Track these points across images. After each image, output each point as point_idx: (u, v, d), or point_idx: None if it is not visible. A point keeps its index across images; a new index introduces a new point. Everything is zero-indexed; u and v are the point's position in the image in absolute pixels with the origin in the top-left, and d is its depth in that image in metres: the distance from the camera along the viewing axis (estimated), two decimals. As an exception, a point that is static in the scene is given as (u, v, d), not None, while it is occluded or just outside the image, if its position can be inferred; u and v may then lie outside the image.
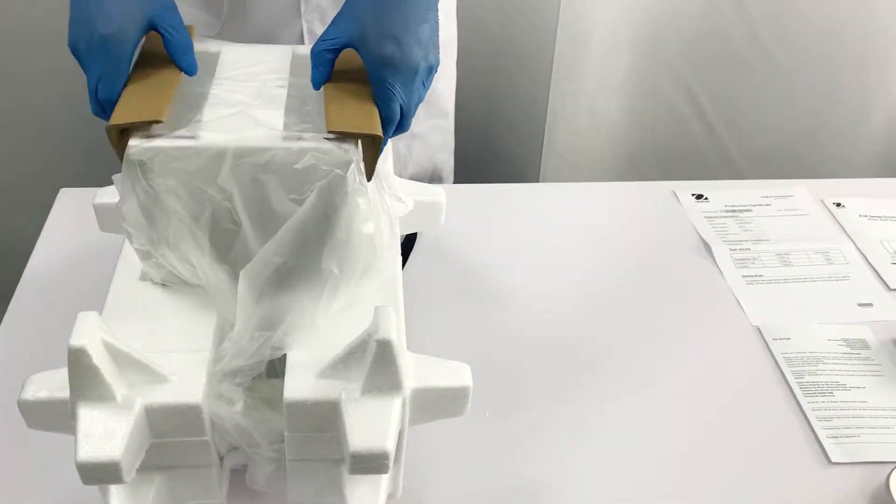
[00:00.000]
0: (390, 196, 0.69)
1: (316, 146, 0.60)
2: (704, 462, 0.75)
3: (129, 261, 0.68)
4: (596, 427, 0.78)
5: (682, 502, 0.72)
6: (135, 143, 0.59)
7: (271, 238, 0.60)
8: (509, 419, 0.79)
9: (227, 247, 0.64)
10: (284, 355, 0.62)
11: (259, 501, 0.70)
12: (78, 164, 1.34)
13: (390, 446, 0.55)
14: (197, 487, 0.63)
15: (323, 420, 0.59)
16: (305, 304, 0.62)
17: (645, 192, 1.12)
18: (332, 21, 0.64)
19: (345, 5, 0.64)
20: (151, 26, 0.63)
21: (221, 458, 0.64)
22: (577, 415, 0.79)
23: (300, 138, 0.60)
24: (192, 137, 0.60)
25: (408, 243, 0.99)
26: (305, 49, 0.71)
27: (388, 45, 0.60)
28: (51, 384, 0.57)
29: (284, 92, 0.67)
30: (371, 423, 0.56)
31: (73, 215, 1.00)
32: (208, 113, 0.63)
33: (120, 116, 0.59)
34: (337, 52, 0.63)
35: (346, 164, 0.59)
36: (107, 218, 0.76)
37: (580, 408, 0.80)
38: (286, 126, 0.62)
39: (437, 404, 0.62)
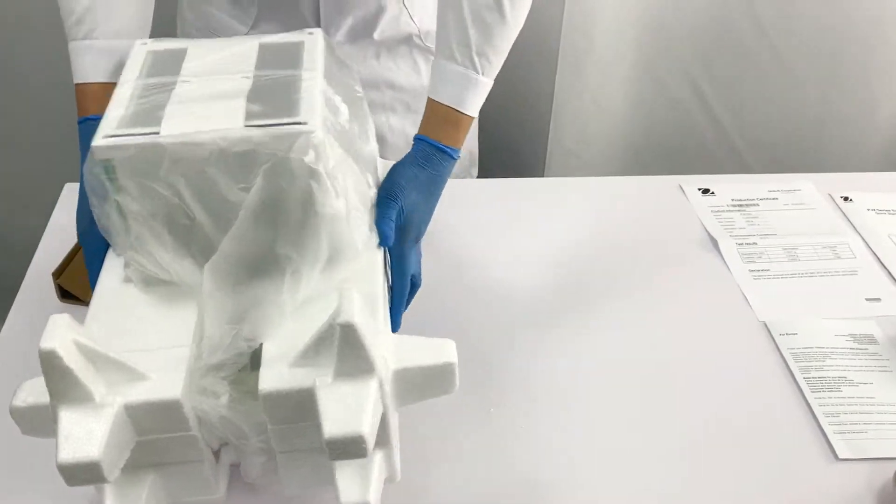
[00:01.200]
0: (368, 183, 0.70)
1: (258, 133, 0.60)
2: (710, 458, 0.75)
3: (115, 262, 0.68)
4: (601, 421, 0.78)
5: (687, 498, 0.72)
6: (99, 143, 0.60)
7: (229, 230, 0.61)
8: (514, 414, 0.78)
9: (187, 242, 0.64)
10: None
11: (259, 496, 0.70)
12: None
13: (366, 430, 0.55)
14: (192, 484, 0.63)
15: (301, 409, 0.58)
16: (269, 293, 0.62)
17: (651, 187, 1.12)
18: (389, 202, 0.74)
19: (395, 192, 0.75)
20: None
21: (217, 454, 0.64)
22: (583, 410, 0.79)
23: (251, 127, 0.61)
24: (155, 134, 0.61)
25: None
26: (273, 38, 0.73)
27: (416, 233, 0.77)
28: (38, 390, 0.57)
29: (250, 83, 0.67)
30: (345, 407, 0.56)
31: (77, 210, 1.00)
32: (170, 110, 0.63)
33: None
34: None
35: (289, 147, 0.60)
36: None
37: (586, 403, 0.80)
38: (249, 116, 0.62)
39: (423, 383, 0.63)
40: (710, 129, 1.61)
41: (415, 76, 1.09)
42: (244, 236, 0.62)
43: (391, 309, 0.74)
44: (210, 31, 1.04)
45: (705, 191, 1.10)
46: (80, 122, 0.76)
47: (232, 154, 0.60)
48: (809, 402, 0.80)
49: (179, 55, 0.72)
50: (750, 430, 0.78)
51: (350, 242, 0.66)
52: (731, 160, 1.63)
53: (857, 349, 0.86)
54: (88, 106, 0.77)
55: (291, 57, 0.72)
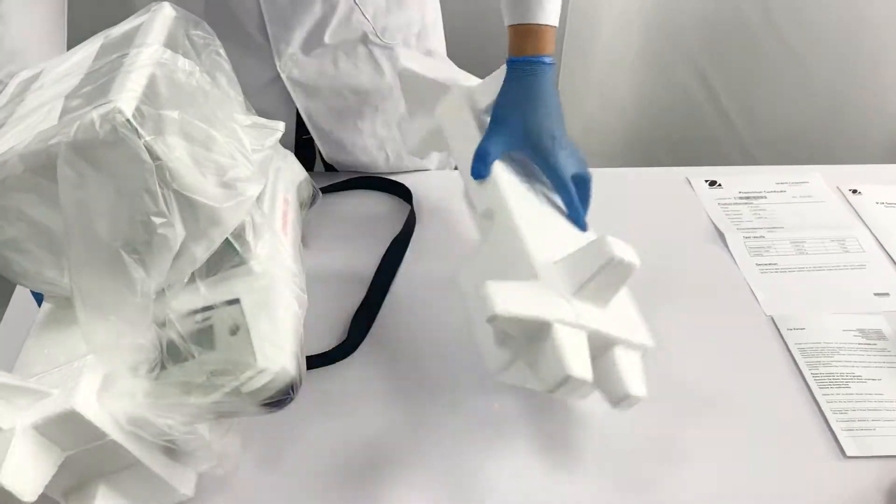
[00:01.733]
0: (236, 130, 0.67)
1: (49, 130, 0.59)
2: (715, 455, 0.74)
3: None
4: (605, 415, 0.77)
5: (692, 494, 0.71)
6: None
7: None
8: (519, 405, 0.78)
9: (59, 254, 0.63)
10: (187, 335, 0.62)
11: (234, 487, 0.70)
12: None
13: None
14: (149, 488, 0.63)
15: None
16: (128, 291, 0.60)
17: (657, 179, 1.10)
18: (493, 126, 0.78)
19: (502, 114, 0.79)
20: None
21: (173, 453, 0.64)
22: (586, 404, 0.78)
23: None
24: None
25: (406, 230, 0.98)
26: (118, 28, 0.72)
27: (545, 140, 0.79)
28: None
29: (77, 81, 0.65)
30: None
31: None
32: (2, 132, 0.63)
33: None
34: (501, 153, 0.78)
35: (81, 130, 0.56)
36: None
37: (590, 398, 0.79)
38: (63, 113, 0.60)
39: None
40: (718, 120, 1.60)
41: (378, 77, 1.04)
42: (81, 239, 0.59)
43: (571, 215, 0.78)
44: None
45: (712, 183, 1.09)
46: None
47: (41, 159, 0.58)
48: (817, 398, 0.79)
49: (36, 76, 0.71)
50: (756, 427, 0.77)
51: (205, 203, 0.61)
52: (738, 152, 1.62)
53: (865, 345, 0.85)
54: None
55: (127, 41, 0.69)
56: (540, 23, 0.81)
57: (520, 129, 0.79)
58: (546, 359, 0.63)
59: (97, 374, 0.60)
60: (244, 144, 0.68)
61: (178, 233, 0.60)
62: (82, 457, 0.59)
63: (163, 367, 0.62)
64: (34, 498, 0.55)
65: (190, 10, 0.90)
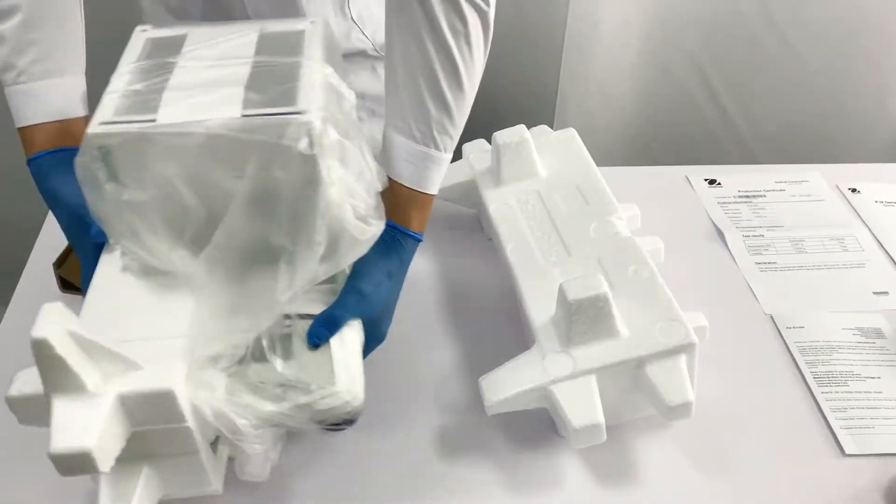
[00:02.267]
0: (370, 168, 0.68)
1: (253, 122, 0.60)
2: (714, 453, 0.74)
3: (113, 253, 0.68)
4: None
5: (691, 492, 0.71)
6: (95, 130, 0.60)
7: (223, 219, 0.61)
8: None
9: (182, 231, 0.64)
10: (273, 338, 0.63)
11: (258, 490, 0.70)
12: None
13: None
14: (187, 476, 0.62)
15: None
16: (266, 284, 0.62)
17: (657, 177, 1.11)
18: (342, 298, 0.69)
19: (352, 287, 0.70)
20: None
21: (214, 446, 0.64)
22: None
23: (246, 115, 0.61)
24: (150, 122, 0.61)
25: None
26: (274, 26, 0.73)
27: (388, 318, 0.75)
28: (33, 379, 0.57)
29: (248, 70, 0.67)
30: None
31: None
32: (167, 97, 0.63)
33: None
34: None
35: (282, 135, 0.60)
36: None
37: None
38: (246, 104, 0.62)
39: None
40: (717, 119, 1.60)
41: (376, 82, 1.04)
42: (237, 226, 0.62)
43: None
44: None
45: (712, 182, 1.09)
46: (29, 162, 0.74)
47: (226, 143, 0.60)
48: (816, 396, 0.79)
49: (178, 41, 0.71)
50: (755, 425, 0.77)
51: (347, 231, 0.65)
52: (738, 151, 1.62)
53: (864, 343, 0.85)
54: (35, 144, 0.75)
55: (291, 45, 0.71)
56: (428, 192, 0.75)
57: (378, 305, 0.72)
58: (557, 416, 0.70)
59: (185, 359, 0.59)
60: (373, 183, 0.69)
61: (323, 253, 0.64)
62: (144, 435, 0.58)
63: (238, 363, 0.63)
64: (109, 468, 0.54)
65: (190, 12, 0.91)
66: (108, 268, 0.67)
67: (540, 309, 0.76)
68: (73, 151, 0.63)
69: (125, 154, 0.61)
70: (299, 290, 0.64)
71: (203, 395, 0.59)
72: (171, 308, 0.63)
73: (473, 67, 0.72)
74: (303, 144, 0.60)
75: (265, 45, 0.71)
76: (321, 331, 0.65)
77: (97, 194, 0.63)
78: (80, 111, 0.76)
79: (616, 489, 0.72)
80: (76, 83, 0.77)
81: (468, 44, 0.70)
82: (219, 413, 0.59)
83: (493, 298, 0.87)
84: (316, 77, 0.66)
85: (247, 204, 0.61)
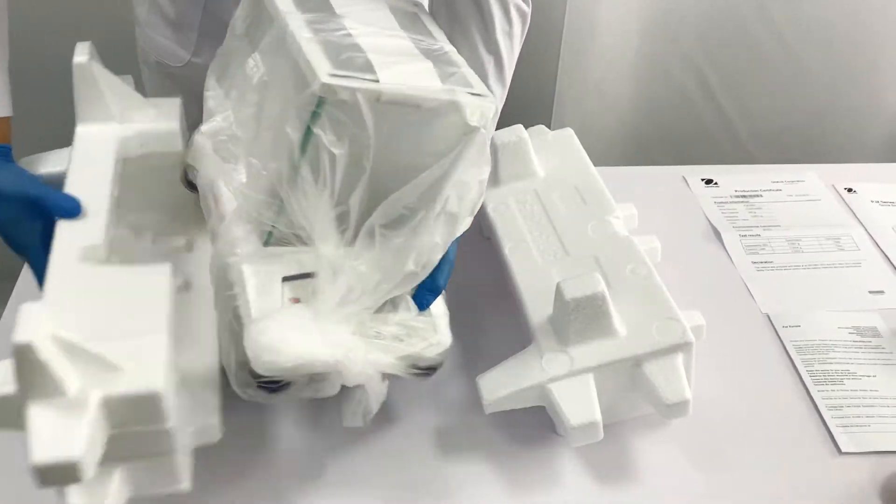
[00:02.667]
0: None
1: (463, 100, 0.63)
2: (711, 451, 0.75)
3: (67, 242, 0.64)
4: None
5: (688, 490, 0.72)
6: (328, 81, 0.60)
7: (388, 182, 0.64)
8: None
9: (350, 190, 0.64)
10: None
11: (257, 490, 0.70)
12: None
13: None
14: (160, 475, 0.60)
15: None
16: (425, 240, 0.65)
17: (654, 177, 1.11)
18: (441, 266, 0.71)
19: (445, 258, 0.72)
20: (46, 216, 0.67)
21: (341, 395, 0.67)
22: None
23: (451, 91, 0.63)
24: (376, 81, 0.61)
25: None
26: (401, 4, 0.75)
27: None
28: (9, 378, 0.52)
29: (411, 45, 0.69)
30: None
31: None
32: (373, 59, 0.63)
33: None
34: None
35: (473, 115, 0.63)
36: None
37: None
38: (442, 78, 0.64)
39: None
40: (714, 119, 1.61)
41: None
42: (419, 192, 0.64)
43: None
44: (158, 56, 1.05)
45: (709, 181, 1.10)
46: None
47: (435, 115, 0.63)
48: (812, 395, 0.80)
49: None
50: (752, 424, 0.77)
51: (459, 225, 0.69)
52: (735, 151, 1.63)
53: (860, 342, 0.86)
54: None
55: (419, 27, 0.73)
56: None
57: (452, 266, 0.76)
58: (555, 414, 0.71)
59: (167, 352, 0.57)
60: None
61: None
62: (122, 437, 0.55)
63: None
64: (92, 475, 0.51)
65: (188, 23, 0.90)
66: (64, 258, 0.63)
67: (538, 308, 0.76)
68: None
69: (342, 109, 0.61)
70: (426, 256, 0.66)
71: (342, 328, 0.62)
72: (141, 301, 0.60)
73: (513, 63, 0.75)
74: (482, 126, 0.63)
75: (402, 20, 0.72)
76: (428, 296, 0.70)
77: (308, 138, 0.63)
78: (3, 111, 0.75)
79: (613, 486, 0.72)
80: None
81: (512, 43, 0.73)
82: (363, 362, 0.62)
83: (491, 297, 0.87)
84: (464, 65, 0.68)
85: (436, 175, 0.64)
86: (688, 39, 1.52)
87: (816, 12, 1.46)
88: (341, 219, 0.65)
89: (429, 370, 0.68)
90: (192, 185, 0.78)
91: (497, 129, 0.92)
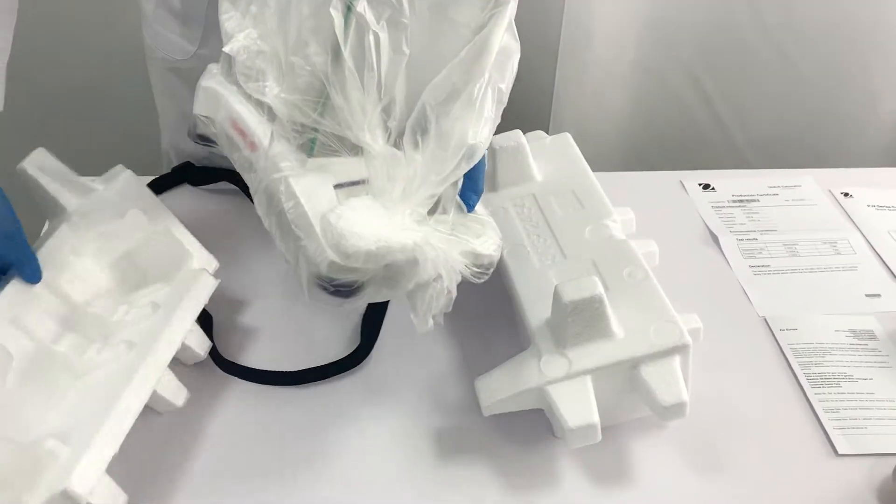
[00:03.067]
0: None
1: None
2: (708, 453, 0.75)
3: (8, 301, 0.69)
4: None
5: (684, 492, 0.72)
6: None
7: (424, 69, 0.64)
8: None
9: (394, 78, 0.65)
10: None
11: (256, 489, 0.70)
12: (90, 150, 1.33)
13: None
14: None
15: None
16: (480, 114, 0.66)
17: (651, 182, 1.12)
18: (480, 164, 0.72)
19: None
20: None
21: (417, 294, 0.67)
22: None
23: None
24: None
25: None
26: None
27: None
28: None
29: None
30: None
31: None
32: None
33: None
34: None
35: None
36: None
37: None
38: None
39: None
40: (711, 124, 1.61)
41: None
42: (462, 69, 0.65)
43: None
44: (164, 52, 1.05)
45: (706, 186, 1.10)
46: None
47: None
48: (809, 397, 0.80)
49: None
50: (749, 426, 0.78)
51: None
52: (731, 155, 1.63)
53: (857, 345, 0.86)
54: None
55: None
56: None
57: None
58: (553, 417, 0.71)
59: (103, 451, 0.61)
60: None
61: None
62: None
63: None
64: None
65: (194, 14, 0.91)
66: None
67: (535, 310, 0.77)
68: None
69: None
70: (485, 130, 0.68)
71: (419, 234, 0.63)
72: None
73: (510, 87, 0.76)
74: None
75: None
76: (473, 197, 0.71)
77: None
78: None
79: (611, 489, 0.72)
80: None
81: (513, 70, 0.75)
82: (438, 249, 0.63)
83: (489, 300, 0.87)
84: None
85: (478, 50, 0.65)
86: (684, 47, 1.53)
87: (811, 19, 1.47)
88: (387, 111, 0.64)
89: (487, 268, 0.68)
90: (202, 138, 0.76)
91: (495, 134, 0.93)
